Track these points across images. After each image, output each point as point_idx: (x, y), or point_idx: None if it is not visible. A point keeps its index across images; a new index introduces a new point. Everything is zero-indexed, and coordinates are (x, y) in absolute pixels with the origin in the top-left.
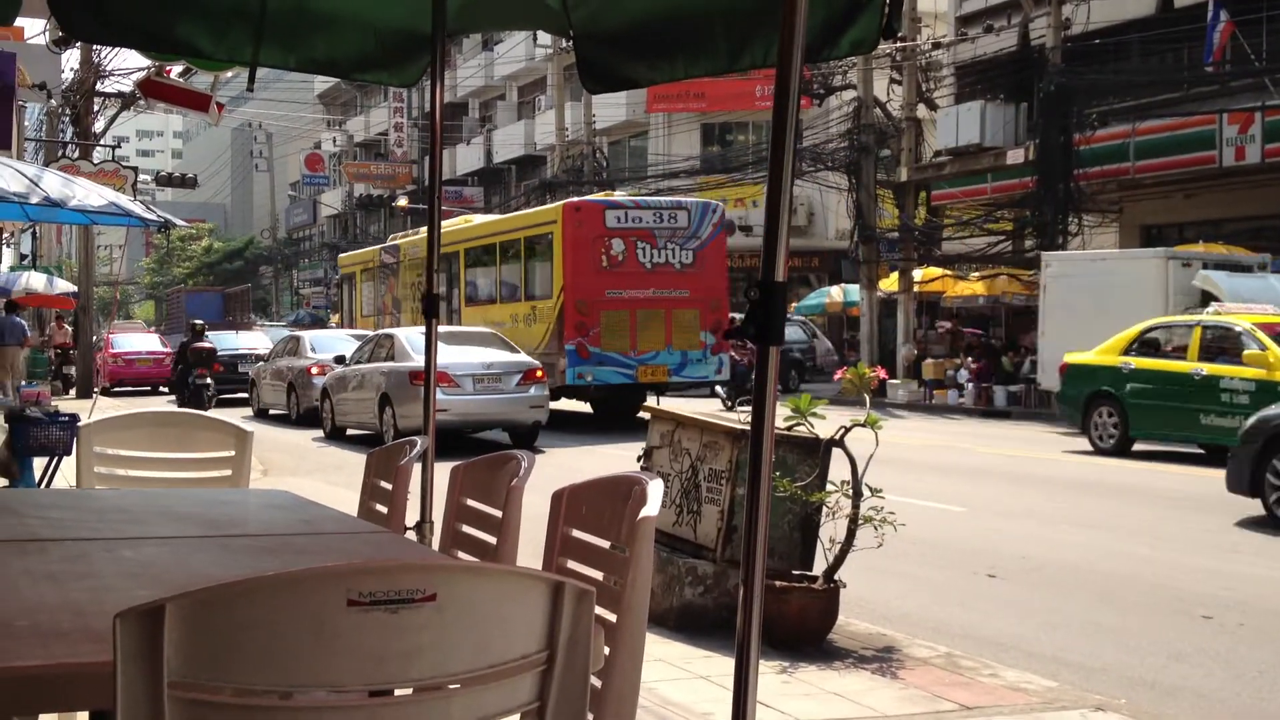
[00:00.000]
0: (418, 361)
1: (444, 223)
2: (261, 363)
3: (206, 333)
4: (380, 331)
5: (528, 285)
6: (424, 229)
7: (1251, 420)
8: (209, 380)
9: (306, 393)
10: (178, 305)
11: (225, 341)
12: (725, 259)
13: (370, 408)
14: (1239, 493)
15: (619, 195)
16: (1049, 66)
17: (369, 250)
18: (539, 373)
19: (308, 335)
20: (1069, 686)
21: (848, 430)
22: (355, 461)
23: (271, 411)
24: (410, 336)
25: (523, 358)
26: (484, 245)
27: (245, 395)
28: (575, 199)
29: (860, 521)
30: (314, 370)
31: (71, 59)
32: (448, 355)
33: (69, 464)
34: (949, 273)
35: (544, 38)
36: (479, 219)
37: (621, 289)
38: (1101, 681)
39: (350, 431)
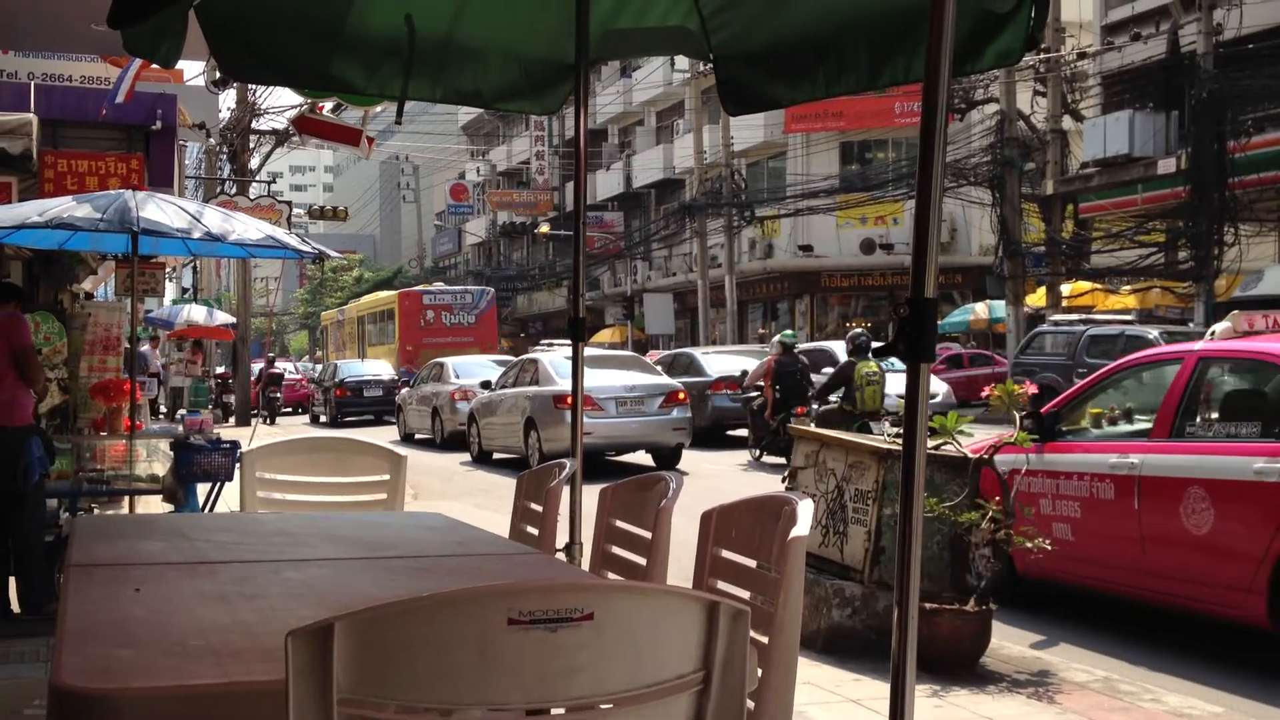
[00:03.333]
0: (561, 385)
1: (365, 298)
2: (407, 389)
3: (276, 362)
4: (525, 356)
5: (387, 336)
6: (362, 298)
7: None
8: (278, 395)
9: (450, 417)
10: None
11: (351, 369)
12: (495, 320)
13: (516, 432)
14: None
15: (435, 286)
16: (1200, 73)
17: (333, 311)
18: (681, 395)
19: (451, 361)
20: (1236, 713)
21: (997, 449)
22: (502, 485)
23: (417, 436)
24: (554, 361)
25: (665, 380)
26: (373, 313)
27: (370, 418)
28: (404, 289)
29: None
30: (456, 395)
31: (228, 99)
32: (591, 379)
33: (230, 489)
34: (1099, 286)
35: (681, 62)
36: (384, 294)
37: (433, 338)
38: (1271, 710)
39: (496, 455)
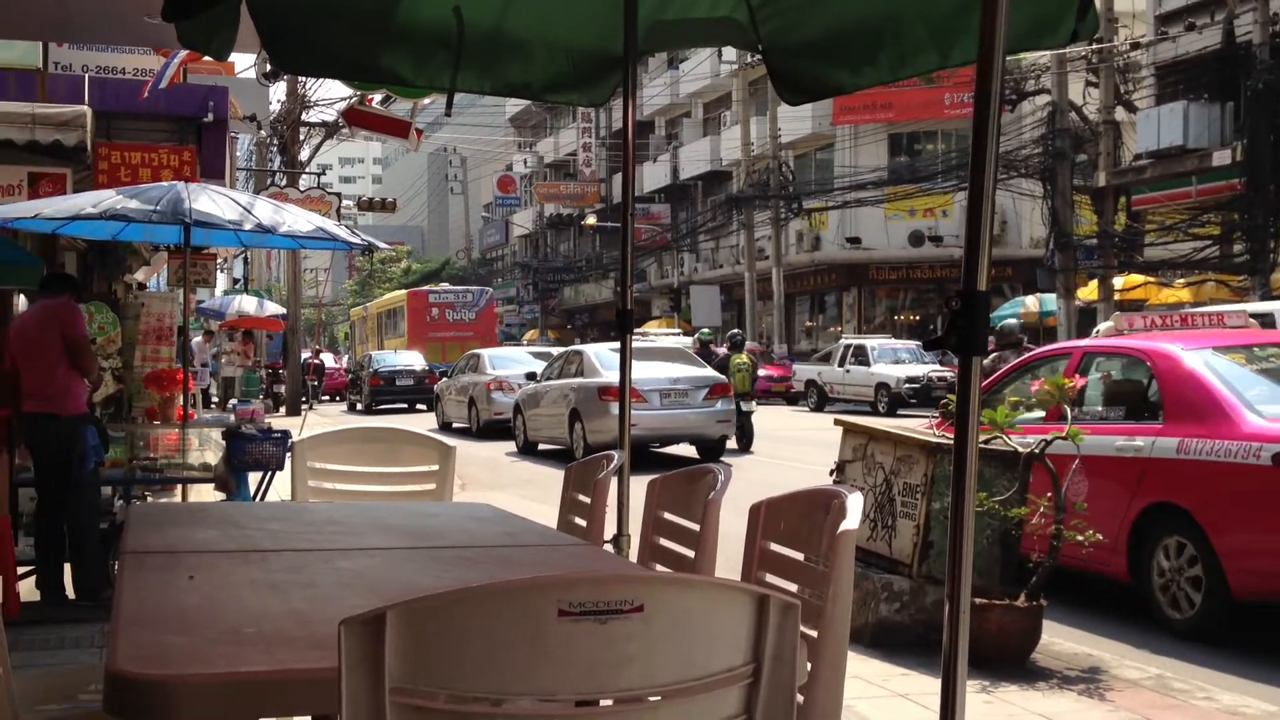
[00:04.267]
0: (606, 378)
1: (384, 296)
2: (445, 379)
3: (320, 354)
4: (570, 348)
5: (398, 330)
6: (382, 298)
7: None
8: (317, 382)
9: (486, 407)
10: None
11: (386, 360)
12: (494, 315)
13: (561, 423)
14: None
15: (440, 286)
16: (1256, 63)
17: (359, 308)
18: (726, 387)
19: (487, 353)
20: None
21: (1049, 443)
22: (548, 476)
23: (455, 425)
24: (600, 353)
25: (709, 373)
26: (387, 310)
27: (403, 406)
28: (413, 289)
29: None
30: (492, 385)
31: (278, 91)
32: (636, 371)
33: (281, 478)
34: (1152, 280)
35: (729, 54)
36: (398, 293)
37: (438, 331)
38: None
39: (542, 446)
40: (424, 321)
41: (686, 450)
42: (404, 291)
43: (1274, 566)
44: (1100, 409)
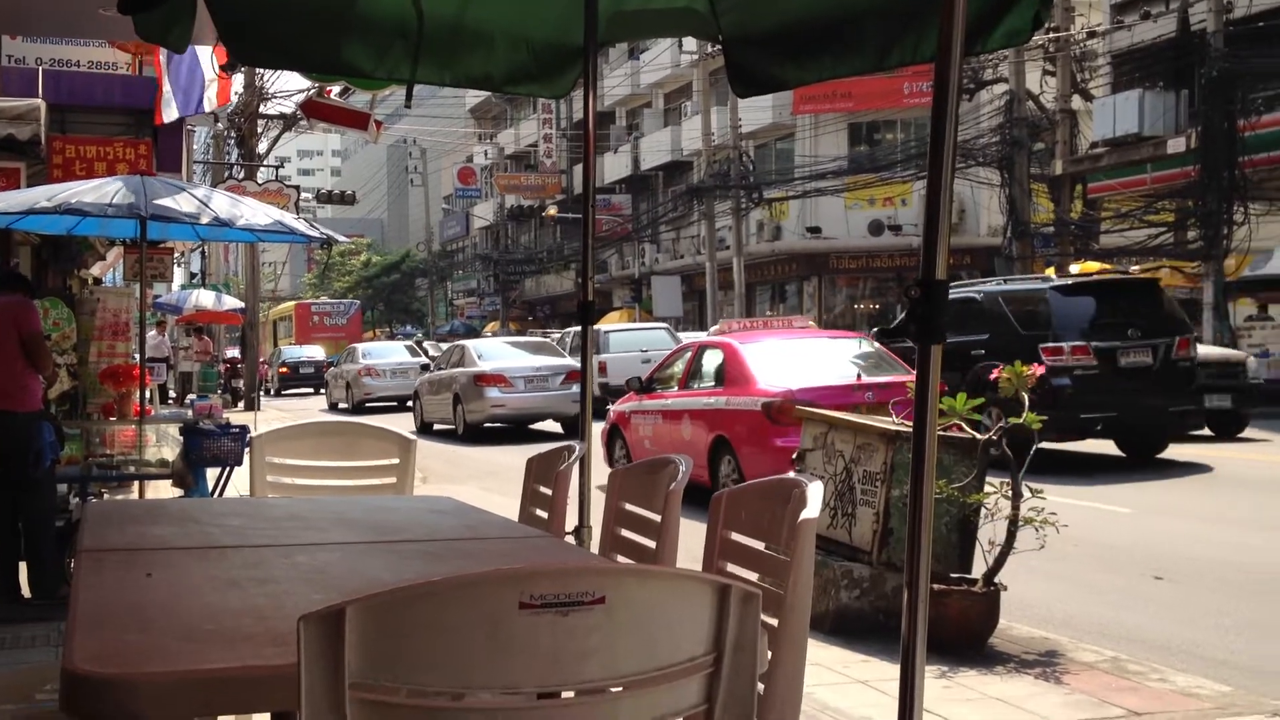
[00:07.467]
0: (481, 367)
1: (280, 306)
2: (332, 368)
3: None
4: (455, 343)
5: (290, 332)
6: (279, 306)
7: None
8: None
9: (359, 389)
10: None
11: (291, 353)
12: (360, 321)
13: (447, 406)
14: None
15: (321, 299)
16: (1210, 51)
17: (272, 311)
18: (577, 374)
19: (361, 346)
20: (1243, 691)
21: (1006, 430)
22: (507, 468)
23: (340, 405)
24: (478, 346)
25: (567, 360)
26: (283, 316)
27: (309, 390)
28: (299, 302)
29: (1020, 523)
30: (362, 372)
31: (235, 83)
32: (507, 360)
33: (239, 473)
34: (1108, 267)
35: (689, 44)
36: (289, 304)
37: (317, 333)
38: (1278, 686)
39: (436, 427)
40: (307, 326)
41: (554, 426)
42: (292, 303)
43: (762, 469)
44: (701, 381)
